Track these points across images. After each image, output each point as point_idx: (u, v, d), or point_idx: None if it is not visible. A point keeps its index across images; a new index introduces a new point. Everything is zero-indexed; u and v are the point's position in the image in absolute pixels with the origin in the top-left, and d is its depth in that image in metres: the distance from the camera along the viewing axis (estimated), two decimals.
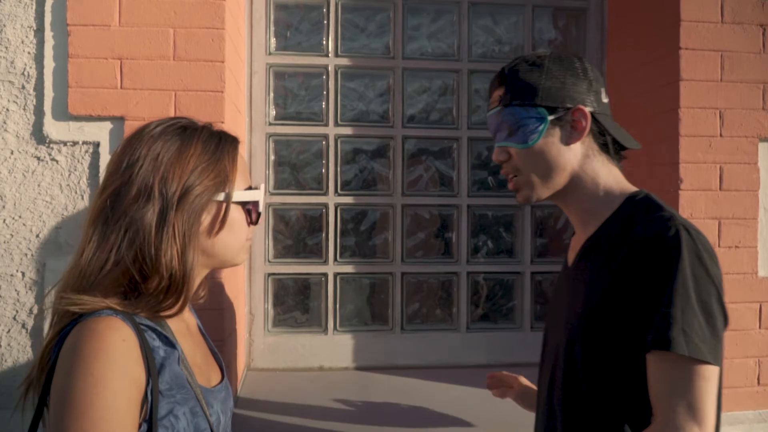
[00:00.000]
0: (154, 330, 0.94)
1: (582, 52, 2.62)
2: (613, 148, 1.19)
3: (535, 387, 1.40)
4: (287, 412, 1.99)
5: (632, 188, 1.19)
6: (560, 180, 1.17)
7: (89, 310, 0.89)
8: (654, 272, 1.00)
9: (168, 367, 0.92)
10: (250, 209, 1.08)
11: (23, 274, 1.87)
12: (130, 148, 0.98)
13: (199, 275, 1.05)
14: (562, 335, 1.16)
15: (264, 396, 2.12)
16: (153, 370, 0.89)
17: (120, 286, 0.93)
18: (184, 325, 1.07)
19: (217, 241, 1.02)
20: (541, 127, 1.14)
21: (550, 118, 1.14)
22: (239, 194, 1.04)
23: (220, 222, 1.01)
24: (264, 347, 2.42)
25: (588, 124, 1.15)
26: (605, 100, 1.20)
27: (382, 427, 1.90)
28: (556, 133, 1.15)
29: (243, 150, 2.35)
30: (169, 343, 0.95)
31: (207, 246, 1.01)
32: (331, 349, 2.45)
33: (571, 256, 1.24)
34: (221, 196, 1.01)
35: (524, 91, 1.16)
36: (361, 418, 1.96)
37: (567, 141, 1.16)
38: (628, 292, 1.03)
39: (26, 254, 1.87)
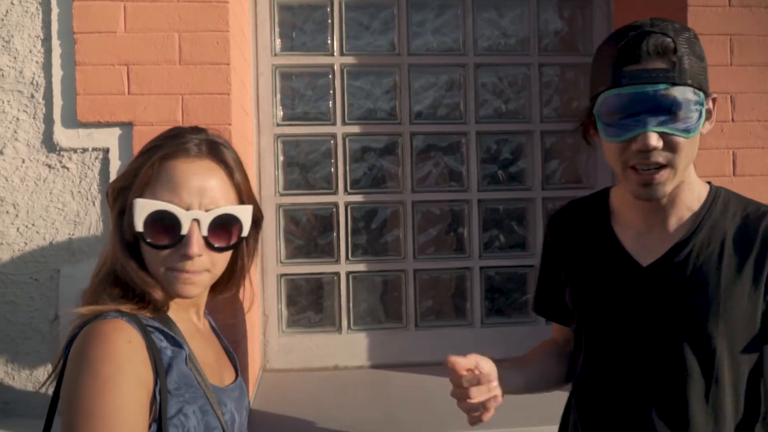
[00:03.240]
0: (161, 331, 0.95)
1: (589, 42, 2.60)
2: None
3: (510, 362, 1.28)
4: (303, 413, 1.99)
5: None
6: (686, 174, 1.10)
7: (97, 313, 0.91)
8: None
9: (175, 367, 0.92)
10: (158, 227, 0.94)
11: (37, 281, 1.88)
12: None
13: (163, 283, 0.98)
14: (674, 338, 1.08)
15: (280, 397, 2.13)
16: (161, 370, 0.89)
17: (119, 289, 0.95)
18: (192, 326, 1.07)
19: (144, 255, 0.98)
20: (702, 114, 1.02)
21: (706, 106, 1.04)
22: (141, 203, 0.93)
23: (134, 235, 0.96)
24: (279, 348, 2.43)
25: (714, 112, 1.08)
26: None
27: (398, 425, 1.90)
28: (703, 122, 1.05)
29: (250, 154, 2.36)
30: (176, 343, 0.96)
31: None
32: (345, 348, 2.45)
33: (645, 253, 1.13)
34: (132, 204, 0.95)
35: (698, 71, 1.01)
36: (377, 417, 1.96)
37: (705, 131, 1.07)
38: None
39: (40, 261, 1.89)
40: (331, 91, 2.50)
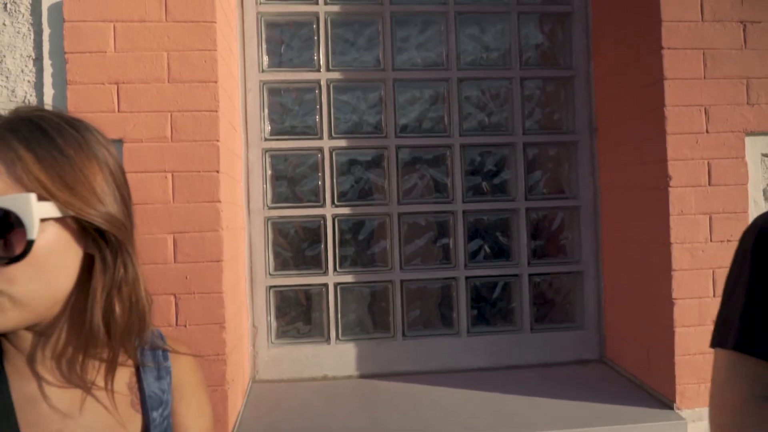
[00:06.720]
0: None
1: (569, 56, 2.66)
2: None
3: None
4: (293, 423, 2.03)
5: None
6: None
7: None
8: None
9: None
10: None
11: None
12: None
13: None
14: None
15: (269, 407, 2.16)
16: None
17: None
18: (47, 377, 0.77)
19: None
20: None
21: None
22: None
23: None
24: (268, 359, 2.46)
25: None
26: None
27: None
28: None
29: (238, 168, 2.40)
30: None
31: None
32: (334, 358, 2.49)
33: None
34: None
35: None
36: (365, 426, 1.99)
37: None
38: None
39: None
40: (318, 106, 2.55)
